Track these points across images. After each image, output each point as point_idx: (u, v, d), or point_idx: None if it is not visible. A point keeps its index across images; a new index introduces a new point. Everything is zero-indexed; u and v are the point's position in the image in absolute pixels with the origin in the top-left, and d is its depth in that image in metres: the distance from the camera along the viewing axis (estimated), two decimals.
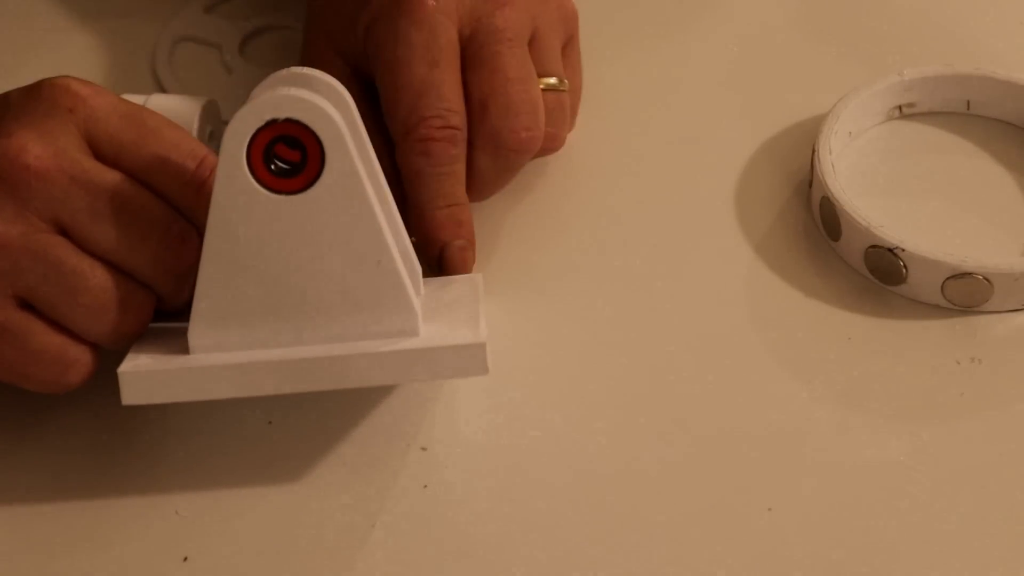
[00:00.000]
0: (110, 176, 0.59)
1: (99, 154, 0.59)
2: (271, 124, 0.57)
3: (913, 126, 0.74)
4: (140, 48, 0.79)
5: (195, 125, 0.64)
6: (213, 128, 0.67)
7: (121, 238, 0.59)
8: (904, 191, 0.72)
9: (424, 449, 0.63)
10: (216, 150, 0.67)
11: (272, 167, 0.57)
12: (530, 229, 0.71)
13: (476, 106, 0.67)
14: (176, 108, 0.65)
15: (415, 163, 0.66)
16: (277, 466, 0.62)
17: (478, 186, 0.68)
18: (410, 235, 0.64)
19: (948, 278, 0.66)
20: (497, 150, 0.67)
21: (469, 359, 0.59)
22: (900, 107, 0.74)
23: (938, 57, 0.76)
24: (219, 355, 0.59)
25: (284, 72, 0.61)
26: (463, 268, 0.67)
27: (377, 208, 0.58)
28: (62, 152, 0.58)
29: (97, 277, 0.59)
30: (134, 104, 0.60)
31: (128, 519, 0.61)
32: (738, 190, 0.72)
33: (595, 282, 0.69)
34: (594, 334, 0.67)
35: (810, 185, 0.71)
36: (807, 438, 0.63)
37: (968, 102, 0.74)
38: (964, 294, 0.66)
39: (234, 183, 0.57)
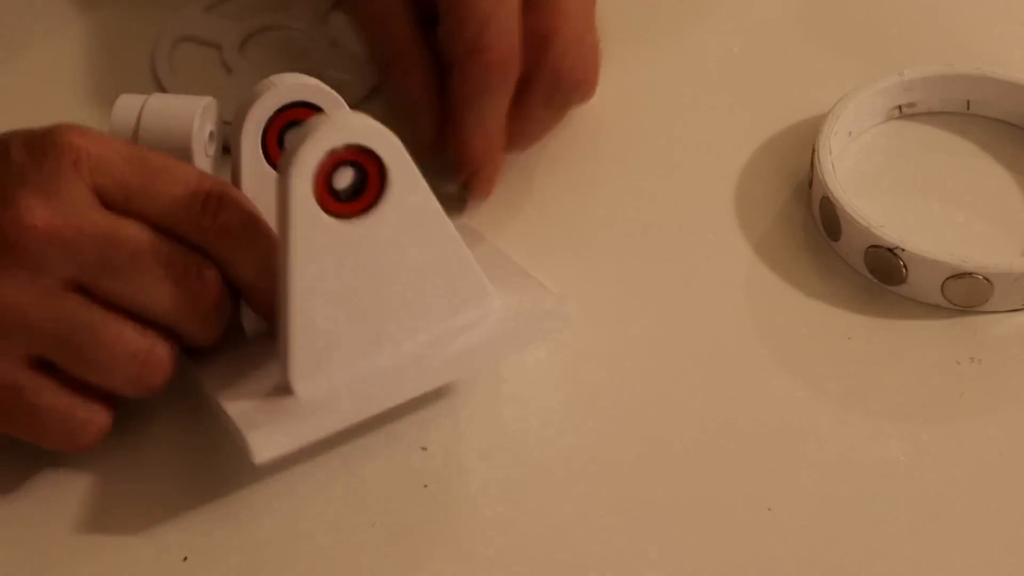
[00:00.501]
0: (119, 225, 0.58)
1: (108, 202, 0.58)
2: (331, 154, 0.57)
3: (913, 126, 0.74)
4: (140, 48, 0.79)
5: (195, 125, 0.64)
6: (212, 128, 0.67)
7: (138, 287, 0.58)
8: (904, 191, 0.72)
9: (424, 449, 0.63)
10: (216, 151, 0.67)
11: (335, 194, 0.58)
12: (527, 229, 0.71)
13: (537, 42, 0.68)
14: (176, 108, 0.65)
15: (468, 88, 0.67)
16: (277, 466, 0.62)
17: (524, 127, 0.69)
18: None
19: (948, 278, 0.66)
20: (556, 86, 0.68)
21: (557, 316, 0.63)
22: (900, 107, 0.74)
23: (938, 57, 0.76)
24: (330, 389, 0.59)
25: (277, 79, 0.62)
26: (485, 194, 0.69)
27: (444, 216, 0.59)
28: (70, 210, 0.57)
29: (115, 331, 0.58)
30: (136, 146, 0.60)
31: (128, 519, 0.61)
32: (738, 190, 0.72)
33: (594, 281, 0.69)
34: (592, 333, 0.66)
35: (810, 185, 0.71)
36: (807, 438, 0.63)
37: (968, 102, 0.74)
38: (964, 294, 0.66)
39: (307, 219, 0.57)
